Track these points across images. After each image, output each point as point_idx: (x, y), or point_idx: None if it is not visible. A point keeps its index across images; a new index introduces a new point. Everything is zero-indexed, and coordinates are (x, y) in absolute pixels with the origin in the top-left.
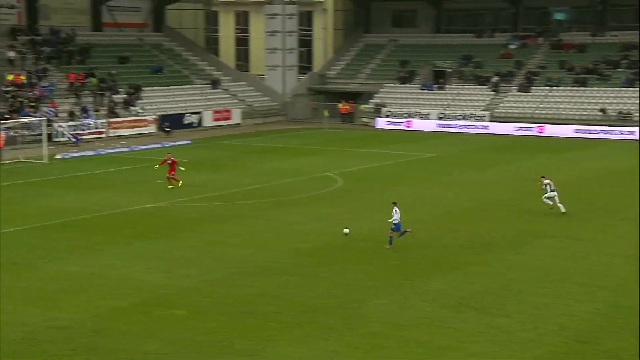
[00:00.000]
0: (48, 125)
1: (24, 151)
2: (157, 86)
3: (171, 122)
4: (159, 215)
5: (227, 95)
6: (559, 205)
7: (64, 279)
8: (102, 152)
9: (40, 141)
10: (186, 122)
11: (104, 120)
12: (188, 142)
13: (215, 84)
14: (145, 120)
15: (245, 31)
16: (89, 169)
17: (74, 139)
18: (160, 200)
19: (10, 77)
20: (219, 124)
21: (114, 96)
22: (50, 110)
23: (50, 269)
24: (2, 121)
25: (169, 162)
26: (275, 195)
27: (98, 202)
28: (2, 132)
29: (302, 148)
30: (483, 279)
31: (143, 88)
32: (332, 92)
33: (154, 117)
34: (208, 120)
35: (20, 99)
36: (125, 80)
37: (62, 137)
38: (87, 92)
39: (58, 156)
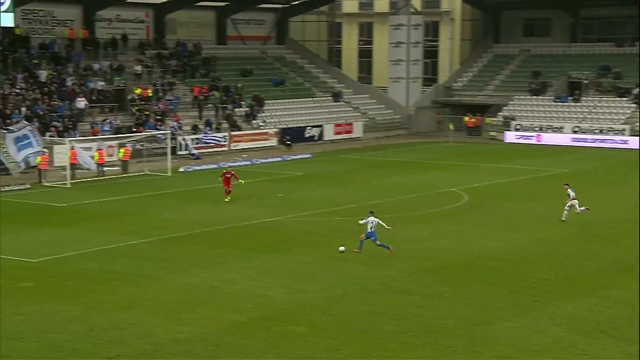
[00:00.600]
0: (172, 139)
1: (148, 164)
2: (279, 99)
3: (292, 136)
4: (279, 229)
5: (349, 108)
6: (565, 212)
7: (186, 292)
8: (224, 166)
9: (164, 154)
10: (307, 135)
11: (225, 134)
12: (309, 155)
13: (337, 96)
14: (266, 133)
15: (369, 42)
16: (210, 182)
17: (194, 155)
18: (280, 214)
19: (138, 90)
20: (340, 138)
21: (236, 109)
22: (175, 124)
23: (173, 281)
24: (129, 134)
25: (228, 175)
26: (397, 211)
27: (219, 215)
28: (128, 145)
29: (426, 162)
30: (621, 303)
31: (265, 101)
32: (458, 104)
33: (275, 130)
34: (329, 133)
35: (146, 112)
36: (247, 93)
37: (186, 150)
38: (210, 105)
39: (181, 169)
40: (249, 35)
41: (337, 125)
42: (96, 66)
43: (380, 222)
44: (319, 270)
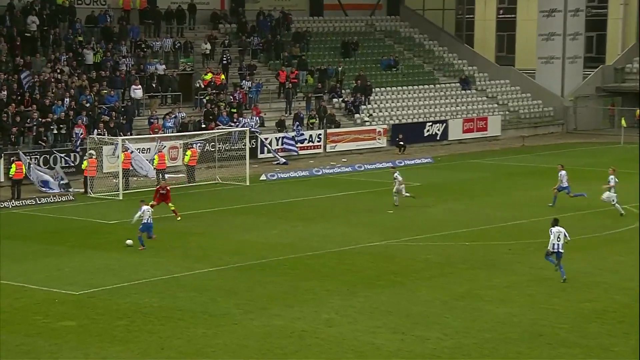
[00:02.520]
0: (251, 138)
1: (221, 170)
2: (390, 86)
3: (407, 134)
4: (389, 256)
5: (483, 98)
6: (405, 194)
7: (268, 336)
8: (317, 173)
9: (241, 158)
10: (427, 133)
11: (320, 132)
12: (428, 160)
13: (466, 82)
14: (373, 131)
15: (511, 11)
16: (300, 193)
17: (282, 160)
18: (391, 237)
19: (208, 76)
20: (471, 137)
21: (334, 100)
22: (255, 119)
23: (251, 322)
24: (196, 132)
25: (163, 192)
26: (547, 234)
27: (311, 237)
28: (195, 146)
29: (588, 170)
30: None
31: (372, 89)
32: (633, 93)
33: (385, 126)
34: (456, 131)
35: (219, 104)
36: (349, 78)
37: (269, 153)
38: (300, 94)
39: (263, 177)
40: (352, 3)
41: (467, 120)
42: (156, 44)
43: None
44: (442, 311)
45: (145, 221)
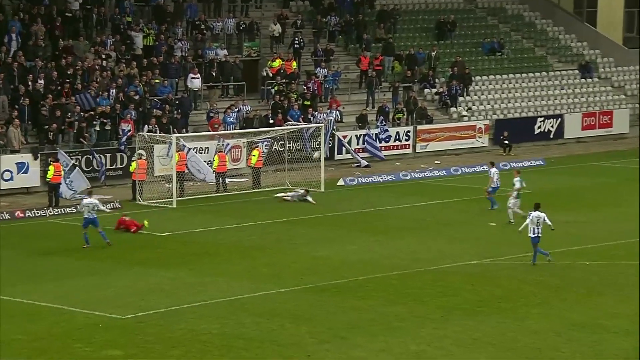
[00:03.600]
0: (328, 136)
1: (291, 173)
2: (493, 74)
3: (513, 131)
4: (491, 277)
5: (607, 88)
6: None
7: None
8: (405, 177)
9: (315, 159)
10: (538, 130)
11: (409, 128)
12: (540, 162)
13: (587, 69)
14: (472, 127)
15: None
16: (384, 201)
17: (363, 163)
18: (493, 254)
19: (277, 63)
20: (592, 134)
21: (426, 90)
22: (332, 113)
23: (326, 353)
24: (262, 129)
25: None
26: None
27: (398, 253)
28: (261, 145)
29: None
30: None
31: (472, 77)
32: None
33: (487, 122)
34: (573, 127)
35: (291, 95)
36: (443, 65)
37: (347, 153)
38: (385, 84)
39: (341, 182)
40: None
41: (587, 114)
42: (217, 26)
43: (98, 204)
44: (556, 343)
45: (86, 216)
